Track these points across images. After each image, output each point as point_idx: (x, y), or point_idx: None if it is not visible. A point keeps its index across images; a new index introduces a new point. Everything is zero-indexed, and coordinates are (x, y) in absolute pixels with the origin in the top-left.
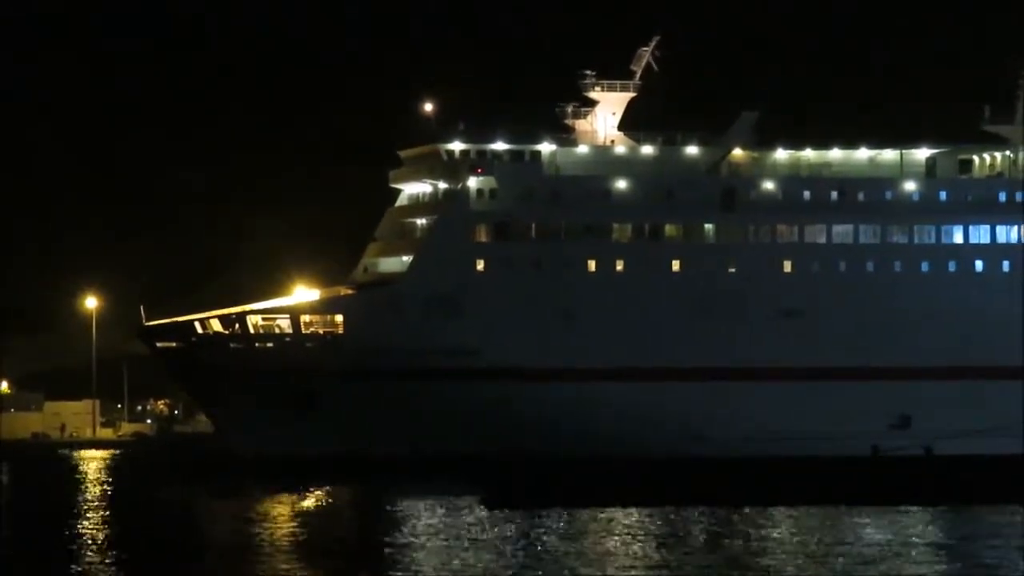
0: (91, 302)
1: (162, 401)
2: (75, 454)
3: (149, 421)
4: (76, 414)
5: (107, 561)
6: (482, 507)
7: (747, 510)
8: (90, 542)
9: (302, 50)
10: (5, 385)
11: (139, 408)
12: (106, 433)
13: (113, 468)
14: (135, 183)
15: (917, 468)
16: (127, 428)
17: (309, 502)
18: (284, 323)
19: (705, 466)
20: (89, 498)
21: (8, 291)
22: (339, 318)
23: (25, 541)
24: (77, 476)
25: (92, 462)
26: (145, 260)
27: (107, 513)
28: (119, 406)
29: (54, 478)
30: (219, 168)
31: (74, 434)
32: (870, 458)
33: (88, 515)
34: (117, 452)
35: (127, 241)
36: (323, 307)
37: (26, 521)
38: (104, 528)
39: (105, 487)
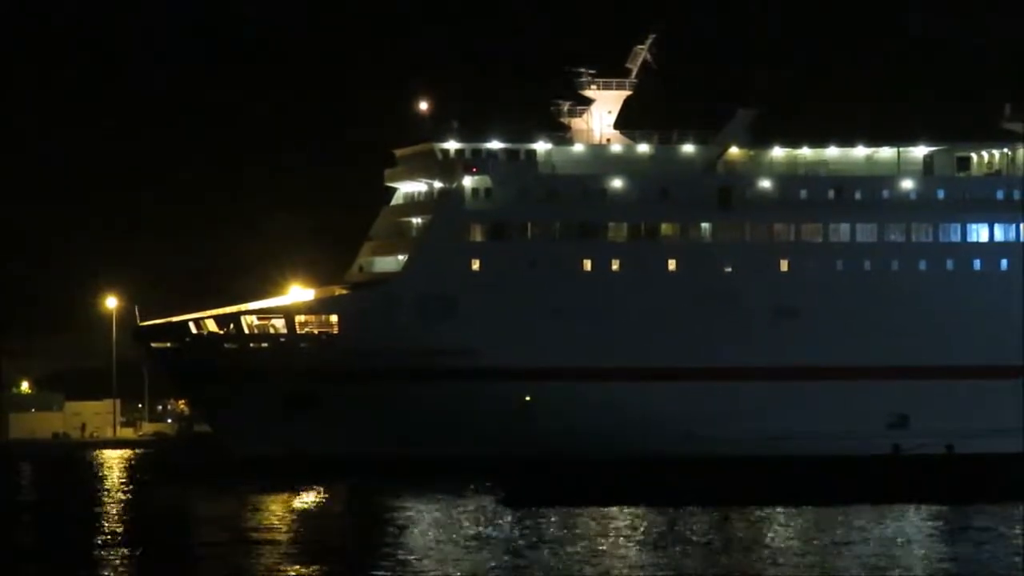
0: (111, 302)
1: (182, 401)
2: (95, 454)
3: (169, 421)
4: (97, 414)
5: (105, 560)
6: (502, 506)
7: (745, 509)
8: (90, 541)
9: (299, 48)
10: (26, 385)
11: (159, 408)
12: (126, 433)
13: (131, 468)
14: (150, 183)
15: (920, 467)
16: (147, 428)
17: (307, 503)
18: (279, 323)
19: (701, 465)
20: (99, 498)
21: (29, 291)
22: (334, 318)
23: (40, 540)
24: (95, 476)
25: (112, 462)
26: (157, 261)
27: (111, 513)
28: (139, 406)
29: (71, 478)
30: (215, 167)
31: (95, 434)
32: (869, 457)
33: (93, 514)
34: (139, 451)
35: (147, 241)
36: (318, 307)
37: (42, 520)
38: (105, 527)
39: (118, 487)
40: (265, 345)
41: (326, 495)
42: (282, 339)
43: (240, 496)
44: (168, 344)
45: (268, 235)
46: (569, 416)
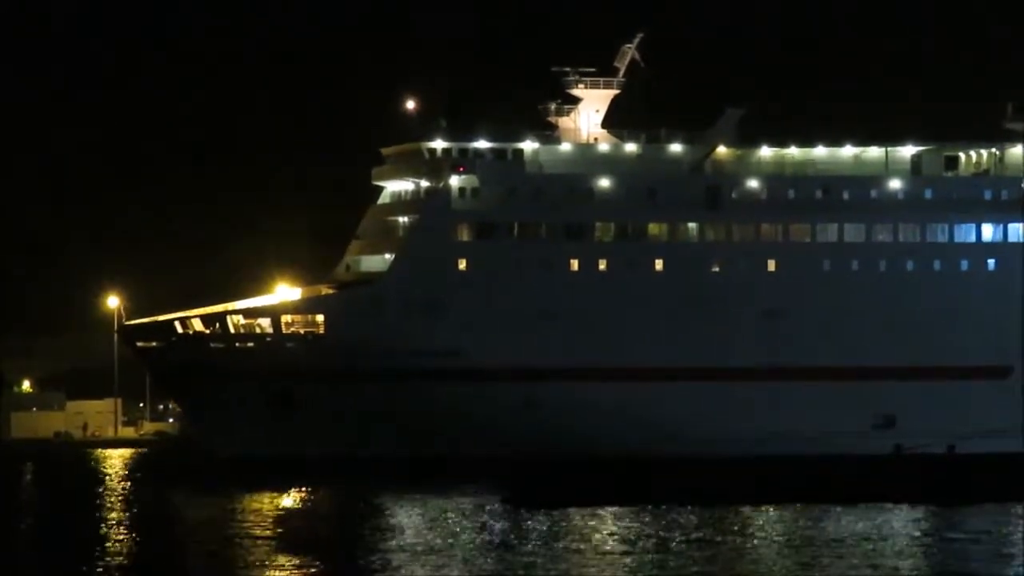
0: (113, 301)
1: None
2: (97, 453)
3: (171, 420)
4: (98, 413)
5: (94, 561)
6: (505, 507)
7: (734, 509)
8: (78, 542)
9: (288, 47)
10: (28, 385)
11: (161, 407)
12: (128, 432)
13: (132, 467)
14: (148, 184)
15: (908, 467)
16: (149, 427)
17: (294, 503)
18: (265, 323)
19: (688, 466)
20: (95, 498)
21: (31, 291)
22: (320, 318)
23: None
24: (95, 476)
25: (114, 461)
26: (154, 260)
27: (102, 513)
28: (141, 405)
29: (72, 478)
30: (204, 166)
31: (96, 433)
32: (864, 457)
33: (85, 514)
34: (141, 451)
35: (149, 240)
36: (304, 307)
37: (42, 520)
38: (97, 528)
39: (116, 487)
40: (251, 345)
41: (313, 496)
42: (268, 339)
43: (226, 496)
44: (154, 343)
45: (255, 233)
46: (556, 416)
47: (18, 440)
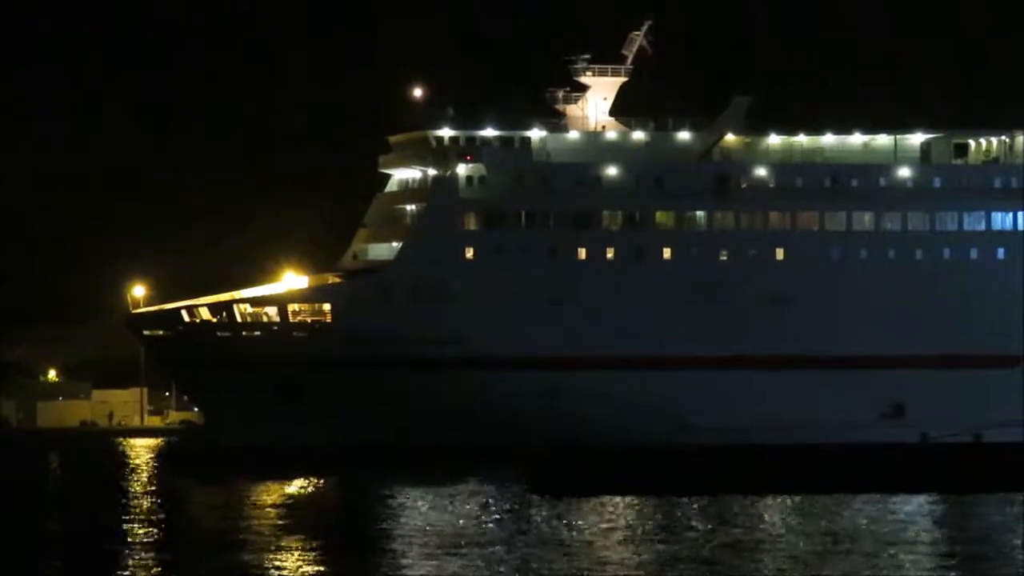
0: (138, 290)
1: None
2: (123, 442)
3: (196, 409)
4: (124, 402)
5: (97, 551)
6: (531, 495)
7: (742, 498)
8: (81, 532)
9: (291, 35)
10: (54, 373)
11: (186, 396)
12: (154, 421)
13: (155, 457)
14: (170, 174)
15: (916, 456)
16: (175, 416)
17: (303, 493)
18: (272, 311)
19: (697, 454)
20: (117, 488)
21: (56, 280)
22: (327, 306)
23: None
24: (120, 465)
25: (139, 450)
26: (173, 249)
27: (108, 503)
28: (167, 394)
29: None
30: (209, 154)
31: (122, 422)
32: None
33: (94, 505)
34: (166, 440)
35: (174, 229)
36: (311, 295)
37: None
38: (99, 519)
39: (139, 477)
40: (258, 333)
41: (321, 486)
42: (275, 327)
43: (232, 487)
44: (160, 332)
45: (262, 222)
46: (564, 405)
47: (44, 429)
